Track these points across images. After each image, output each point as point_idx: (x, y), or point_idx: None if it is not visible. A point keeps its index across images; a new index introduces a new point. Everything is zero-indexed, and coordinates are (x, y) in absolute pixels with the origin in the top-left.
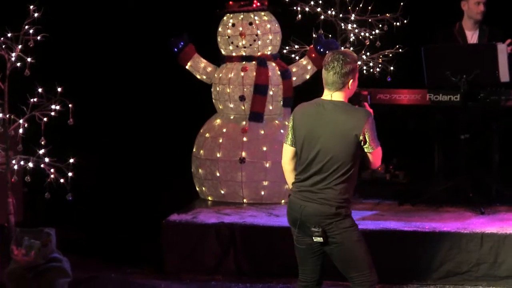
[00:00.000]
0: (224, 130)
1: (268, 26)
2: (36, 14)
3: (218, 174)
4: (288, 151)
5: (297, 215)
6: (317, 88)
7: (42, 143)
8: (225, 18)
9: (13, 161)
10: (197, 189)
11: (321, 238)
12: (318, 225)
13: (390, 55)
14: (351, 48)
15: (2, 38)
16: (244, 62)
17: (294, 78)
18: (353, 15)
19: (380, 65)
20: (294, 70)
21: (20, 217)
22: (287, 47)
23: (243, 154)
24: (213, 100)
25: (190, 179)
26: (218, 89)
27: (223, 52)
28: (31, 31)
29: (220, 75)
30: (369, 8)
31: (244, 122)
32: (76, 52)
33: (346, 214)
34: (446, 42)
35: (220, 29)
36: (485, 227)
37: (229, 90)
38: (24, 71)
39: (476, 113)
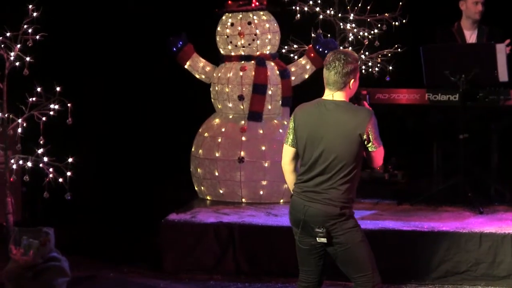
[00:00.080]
0: (223, 129)
1: (267, 25)
2: (35, 14)
3: (217, 174)
4: (288, 151)
5: (300, 215)
6: (316, 87)
7: (41, 142)
8: (224, 17)
9: (12, 161)
10: (196, 188)
11: (325, 238)
12: (322, 225)
13: (389, 54)
14: (350, 48)
15: (1, 38)
16: (243, 62)
17: (293, 78)
18: (352, 14)
19: (379, 65)
20: (293, 69)
21: (19, 217)
22: (286, 47)
23: (242, 153)
24: (212, 100)
25: (189, 179)
26: (217, 88)
27: (222, 52)
28: (30, 30)
29: (219, 74)
30: (368, 7)
31: (243, 122)
32: (75, 52)
33: (349, 215)
34: (445, 41)
35: (219, 28)
36: (483, 226)
37: (228, 89)
38: (23, 71)
39: (475, 113)
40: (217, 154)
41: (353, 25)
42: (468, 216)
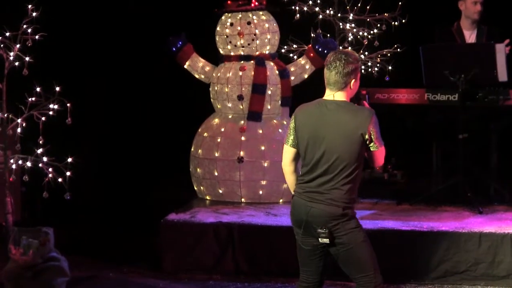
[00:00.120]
0: (222, 129)
1: (267, 25)
2: (34, 14)
3: (216, 174)
4: (288, 152)
5: (303, 216)
6: (316, 87)
7: (40, 142)
8: (223, 17)
9: (11, 161)
10: (195, 188)
11: (328, 239)
12: (324, 226)
13: (389, 54)
14: (349, 48)
15: (0, 37)
16: (242, 62)
17: (292, 78)
18: (351, 14)
19: (378, 65)
20: (292, 69)
21: (18, 217)
22: (285, 47)
23: (241, 153)
24: (211, 100)
25: (189, 179)
26: (216, 88)
27: (221, 52)
28: (29, 30)
29: (219, 74)
30: (368, 7)
31: (242, 122)
32: (74, 52)
33: (352, 215)
34: (444, 41)
35: (218, 28)
36: (483, 226)
37: (227, 89)
38: (22, 71)
39: (474, 113)
40: (216, 154)
41: (353, 25)
42: (468, 216)
